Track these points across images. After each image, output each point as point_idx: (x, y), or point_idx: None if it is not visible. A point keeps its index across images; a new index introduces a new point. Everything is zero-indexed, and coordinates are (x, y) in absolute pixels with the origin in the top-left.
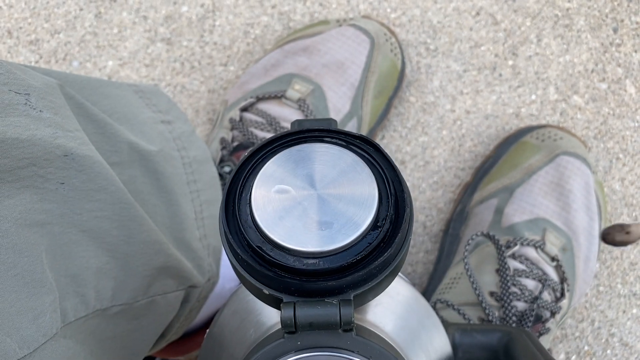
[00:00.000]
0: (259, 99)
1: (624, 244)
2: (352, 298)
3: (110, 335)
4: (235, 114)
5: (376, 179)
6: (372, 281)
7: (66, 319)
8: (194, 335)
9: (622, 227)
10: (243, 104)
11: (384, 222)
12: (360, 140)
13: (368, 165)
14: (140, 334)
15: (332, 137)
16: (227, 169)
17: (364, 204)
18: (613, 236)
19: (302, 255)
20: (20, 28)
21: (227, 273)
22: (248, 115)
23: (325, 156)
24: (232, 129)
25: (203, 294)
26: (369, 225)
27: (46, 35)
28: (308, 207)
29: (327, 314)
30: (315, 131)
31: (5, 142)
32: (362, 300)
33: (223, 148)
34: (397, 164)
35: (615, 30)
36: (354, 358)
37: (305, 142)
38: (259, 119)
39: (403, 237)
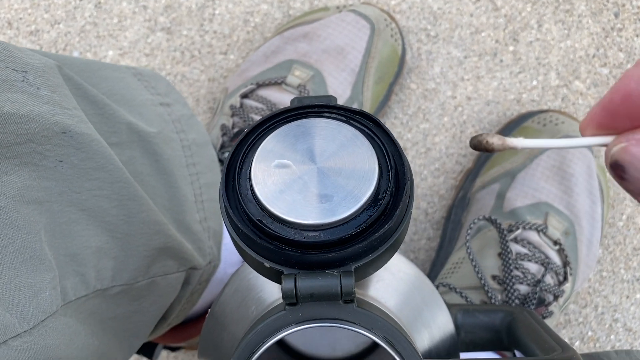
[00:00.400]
0: (259, 85)
1: (488, 150)
2: (352, 270)
3: (111, 316)
4: (235, 100)
5: (376, 152)
6: (372, 254)
7: (66, 298)
8: (196, 321)
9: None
10: (243, 90)
11: (384, 195)
12: (360, 116)
13: (368, 139)
14: (141, 316)
15: (332, 113)
16: (227, 154)
17: (364, 177)
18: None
19: (302, 227)
20: (20, 19)
21: (228, 258)
22: (248, 102)
23: (325, 131)
24: (232, 115)
25: (204, 277)
26: (369, 198)
27: (46, 25)
28: (308, 180)
29: (328, 284)
30: (315, 107)
31: (2, 117)
32: (363, 273)
33: (224, 134)
34: None
35: (616, 15)
36: (355, 329)
37: (305, 117)
38: (259, 105)
39: (404, 210)
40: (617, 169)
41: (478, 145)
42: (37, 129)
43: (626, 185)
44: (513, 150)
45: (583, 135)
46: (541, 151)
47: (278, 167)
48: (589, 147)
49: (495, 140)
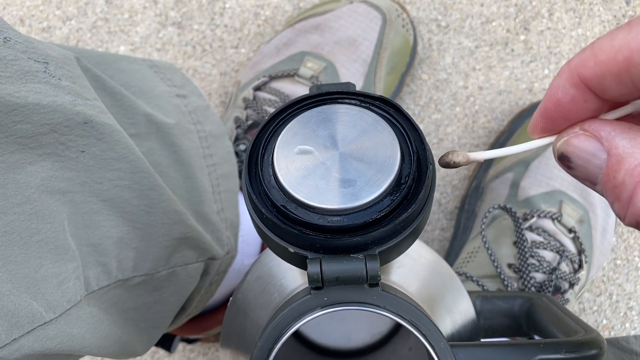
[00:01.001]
0: (272, 77)
1: (456, 167)
2: (377, 254)
3: (132, 306)
4: (248, 93)
5: (398, 137)
6: (396, 238)
7: (89, 288)
8: (214, 312)
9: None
10: (256, 83)
11: (407, 179)
12: (380, 102)
13: (389, 124)
14: (161, 306)
15: (352, 99)
16: (242, 147)
17: (387, 161)
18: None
19: (326, 212)
20: (32, 16)
21: (245, 249)
22: (261, 94)
23: (346, 116)
24: (245, 108)
25: (222, 268)
26: (391, 183)
27: (58, 22)
28: (331, 166)
29: (354, 268)
30: (334, 94)
31: (26, 107)
32: (387, 257)
33: (237, 127)
34: None
35: (627, 2)
36: (381, 312)
37: (325, 104)
38: (273, 98)
39: (426, 194)
40: (564, 160)
41: (446, 164)
42: (59, 119)
43: (573, 173)
44: (527, 140)
45: (532, 138)
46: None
47: (300, 153)
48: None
49: (460, 158)
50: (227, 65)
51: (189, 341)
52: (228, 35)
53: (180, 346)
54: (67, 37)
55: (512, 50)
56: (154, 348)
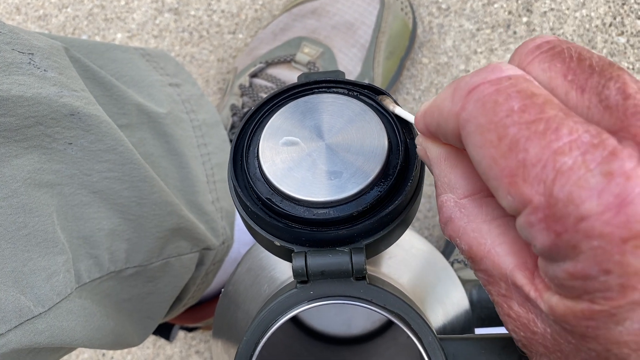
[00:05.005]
0: (269, 64)
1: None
2: (363, 247)
3: (126, 297)
4: (244, 80)
5: (386, 127)
6: (383, 230)
7: (80, 280)
8: (212, 301)
9: None
10: (252, 69)
11: (394, 170)
12: (368, 90)
13: (377, 114)
14: (156, 297)
15: (340, 88)
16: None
17: (374, 152)
18: None
19: (311, 205)
20: (28, 4)
21: (242, 238)
22: (258, 81)
23: (333, 106)
24: (242, 95)
25: (218, 257)
26: (378, 174)
27: (54, 10)
28: (317, 157)
29: (339, 262)
30: (322, 83)
31: (9, 100)
32: (374, 250)
33: (234, 114)
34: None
35: None
36: (367, 306)
37: (312, 93)
38: (269, 84)
39: (414, 185)
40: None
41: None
42: (45, 112)
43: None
44: None
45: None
46: None
47: (286, 145)
48: None
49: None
50: (224, 52)
51: (189, 329)
52: (225, 20)
53: (182, 334)
54: (64, 25)
55: (515, 32)
56: (153, 336)
